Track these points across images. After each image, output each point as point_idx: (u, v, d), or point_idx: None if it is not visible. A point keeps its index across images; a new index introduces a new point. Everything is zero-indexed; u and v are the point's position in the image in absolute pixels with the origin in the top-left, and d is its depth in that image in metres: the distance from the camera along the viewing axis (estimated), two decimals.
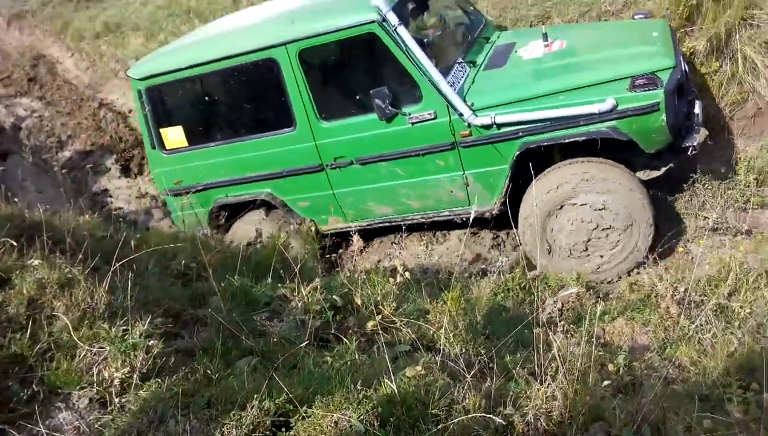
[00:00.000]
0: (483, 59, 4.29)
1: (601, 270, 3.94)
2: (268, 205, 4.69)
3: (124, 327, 2.27)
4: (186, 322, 2.66)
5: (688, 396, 2.35)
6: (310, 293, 2.79)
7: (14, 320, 2.32)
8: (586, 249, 3.92)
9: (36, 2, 10.96)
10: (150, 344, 2.20)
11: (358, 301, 2.78)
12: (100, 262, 2.71)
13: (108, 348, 2.18)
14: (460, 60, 4.15)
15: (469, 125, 3.84)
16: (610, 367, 2.45)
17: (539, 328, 2.37)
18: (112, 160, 7.26)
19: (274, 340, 2.52)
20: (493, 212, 4.13)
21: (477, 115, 3.79)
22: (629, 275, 3.79)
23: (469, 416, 1.90)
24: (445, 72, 3.89)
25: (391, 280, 3.03)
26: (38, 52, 10.14)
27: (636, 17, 4.66)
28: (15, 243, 2.68)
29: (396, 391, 2.00)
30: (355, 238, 3.50)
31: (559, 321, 2.99)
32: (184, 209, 4.75)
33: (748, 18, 5.11)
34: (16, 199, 3.67)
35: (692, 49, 5.12)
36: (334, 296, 2.83)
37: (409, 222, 4.42)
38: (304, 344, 2.44)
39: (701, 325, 3.10)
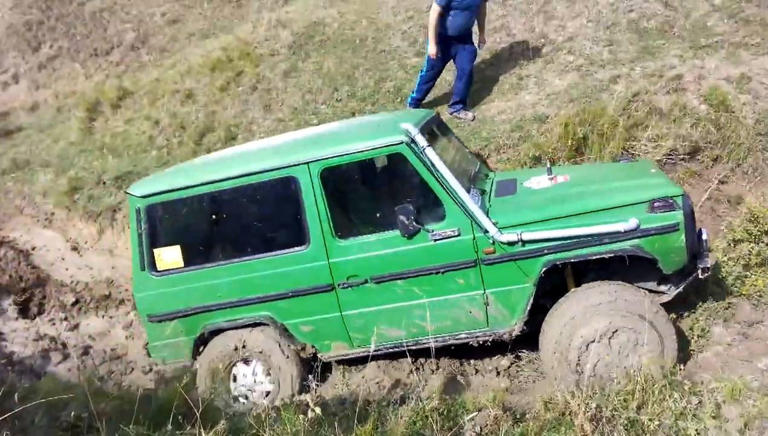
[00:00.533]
0: (490, 189, 4.46)
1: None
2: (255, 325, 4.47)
3: None
4: None
5: None
6: None
7: None
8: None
9: None
10: None
11: None
12: None
13: None
14: (472, 187, 4.27)
15: (494, 242, 3.88)
16: None
17: None
18: (9, 301, 6.82)
19: None
20: (513, 334, 4.06)
21: (503, 233, 3.85)
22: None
23: None
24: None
25: (301, 416, 2.91)
26: None
27: (621, 161, 5.04)
28: None
29: None
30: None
31: None
32: (166, 338, 4.47)
33: (628, 148, 5.69)
34: None
35: None
36: None
37: (422, 346, 4.23)
38: None
39: None
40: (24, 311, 6.81)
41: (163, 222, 4.46)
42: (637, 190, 3.89)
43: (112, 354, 5.90)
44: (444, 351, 4.42)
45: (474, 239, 3.91)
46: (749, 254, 4.52)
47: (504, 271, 3.94)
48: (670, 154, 5.62)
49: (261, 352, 4.43)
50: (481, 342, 4.10)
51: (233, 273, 4.32)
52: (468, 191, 4.07)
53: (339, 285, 4.17)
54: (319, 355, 4.39)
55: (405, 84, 7.41)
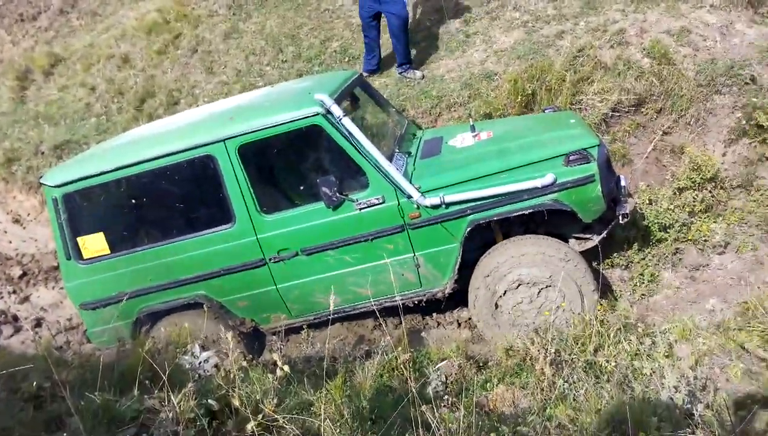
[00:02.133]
0: (416, 150, 4.49)
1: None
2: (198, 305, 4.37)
3: None
4: None
5: None
6: (181, 400, 2.58)
7: None
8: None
9: None
10: None
11: (236, 402, 2.61)
12: None
13: None
14: (396, 150, 4.30)
15: (418, 207, 3.93)
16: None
17: (423, 405, 2.36)
18: None
19: None
20: (446, 292, 4.17)
21: (426, 197, 3.89)
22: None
23: None
24: (389, 159, 4.03)
25: (270, 375, 2.90)
26: None
27: (546, 111, 5.09)
28: None
29: None
30: (229, 335, 3.28)
31: (444, 395, 3.00)
32: (104, 323, 4.35)
33: (576, 103, 5.80)
34: None
35: None
36: (209, 400, 2.65)
37: (360, 310, 4.31)
38: None
39: (574, 382, 3.26)
40: None
41: (83, 210, 4.33)
42: (554, 144, 3.98)
43: (66, 325, 5.72)
44: (405, 307, 4.48)
45: (399, 205, 3.96)
46: (693, 202, 4.72)
47: (431, 233, 4.02)
48: (616, 108, 5.75)
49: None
50: (416, 302, 4.20)
51: (162, 256, 4.26)
52: (392, 156, 4.12)
53: (270, 260, 4.17)
54: (259, 327, 4.38)
55: (351, 44, 7.29)
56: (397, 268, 4.08)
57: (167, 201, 4.30)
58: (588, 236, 4.19)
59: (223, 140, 4.01)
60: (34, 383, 2.70)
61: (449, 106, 6.10)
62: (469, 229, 3.94)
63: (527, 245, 4.00)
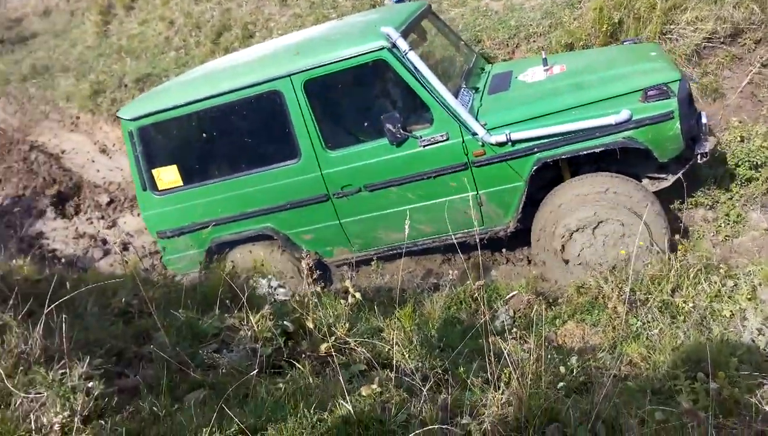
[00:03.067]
0: (484, 85, 4.33)
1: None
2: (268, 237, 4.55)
3: (63, 370, 2.15)
4: (130, 360, 2.54)
5: (640, 391, 2.40)
6: (259, 320, 2.72)
7: None
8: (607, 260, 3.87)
9: None
10: (90, 385, 2.09)
11: (310, 324, 2.72)
12: (35, 305, 2.56)
13: (45, 393, 2.06)
14: (463, 86, 4.17)
15: (483, 144, 3.82)
16: (563, 369, 2.47)
17: (492, 337, 2.37)
18: (47, 202, 6.99)
19: (224, 371, 2.44)
20: (508, 231, 4.09)
21: (491, 134, 3.78)
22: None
23: (426, 428, 1.87)
24: (455, 95, 3.92)
25: (342, 302, 2.99)
26: None
27: (626, 43, 4.78)
28: None
29: (351, 411, 1.96)
30: (304, 262, 3.40)
31: (512, 329, 3.01)
32: (179, 251, 4.60)
33: (666, 33, 5.40)
34: None
35: None
36: (284, 322, 2.77)
37: (420, 247, 4.30)
38: (254, 372, 2.37)
39: (648, 322, 3.19)
40: (62, 212, 7.00)
41: (157, 143, 4.46)
42: (632, 78, 3.75)
43: (151, 249, 6.08)
44: (473, 244, 4.46)
45: (463, 142, 3.86)
46: None
47: (495, 171, 3.92)
48: (710, 38, 5.33)
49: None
50: (478, 240, 4.05)
51: (231, 189, 4.35)
52: (458, 92, 3.99)
53: (334, 195, 4.20)
54: (323, 260, 4.48)
55: None
56: (460, 205, 4.00)
57: (236, 136, 4.36)
58: (663, 175, 3.96)
59: (289, 75, 3.99)
60: (123, 299, 2.91)
61: (528, 37, 5.83)
62: (535, 167, 3.81)
63: (594, 184, 3.82)
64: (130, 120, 4.39)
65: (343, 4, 7.24)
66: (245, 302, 2.69)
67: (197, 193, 4.43)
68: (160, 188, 4.50)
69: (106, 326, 2.68)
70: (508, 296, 3.48)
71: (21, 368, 2.21)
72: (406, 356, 2.52)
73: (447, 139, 3.88)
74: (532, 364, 2.16)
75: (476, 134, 3.80)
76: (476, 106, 3.99)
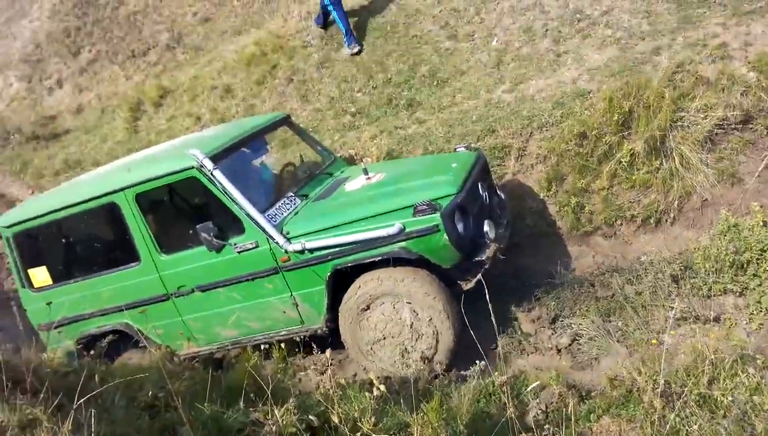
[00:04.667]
0: (316, 192, 4.85)
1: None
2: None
3: None
4: None
5: None
6: (284, 414, 2.66)
7: None
8: (402, 348, 4.24)
9: None
10: None
11: (335, 419, 2.65)
12: (65, 399, 2.56)
13: None
14: (291, 194, 4.72)
15: (287, 251, 4.25)
16: None
17: (522, 434, 2.29)
18: None
19: None
20: (323, 329, 4.47)
21: (291, 242, 4.22)
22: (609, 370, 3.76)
23: None
24: (270, 205, 4.47)
25: (367, 394, 2.92)
26: None
27: (457, 149, 5.27)
28: None
29: None
30: (328, 353, 3.48)
31: (545, 424, 2.90)
32: (57, 342, 4.87)
33: (677, 120, 5.53)
34: None
35: (632, 151, 5.46)
36: (309, 416, 2.71)
37: (255, 343, 4.61)
38: None
39: (686, 417, 3.06)
40: None
41: (28, 246, 5.04)
42: (412, 193, 4.18)
43: None
44: (502, 331, 4.41)
45: (271, 249, 4.31)
46: None
47: (302, 276, 4.35)
48: (721, 124, 5.45)
49: None
50: (301, 338, 4.43)
51: (89, 288, 4.84)
52: (276, 201, 4.53)
53: (172, 294, 4.68)
54: (175, 353, 4.73)
55: (440, 68, 7.36)
56: (280, 305, 4.47)
57: (88, 241, 5.00)
58: (468, 277, 4.25)
59: (122, 189, 4.51)
60: (150, 392, 2.87)
61: (540, 127, 6.00)
62: (330, 272, 4.21)
63: (392, 272, 4.15)
64: (6, 227, 5.00)
65: (360, 99, 7.55)
66: (270, 394, 2.63)
67: (63, 291, 4.92)
68: (35, 286, 5.04)
69: (133, 420, 2.64)
70: (533, 386, 3.38)
71: None
72: None
73: (257, 247, 4.33)
74: None
75: (278, 242, 4.23)
76: (290, 216, 4.45)
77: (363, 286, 4.24)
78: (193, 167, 4.30)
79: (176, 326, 4.80)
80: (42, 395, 2.50)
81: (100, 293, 4.79)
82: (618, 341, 3.95)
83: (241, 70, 8.94)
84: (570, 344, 4.19)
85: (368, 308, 4.28)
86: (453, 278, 4.30)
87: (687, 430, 2.93)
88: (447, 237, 3.96)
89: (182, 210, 4.97)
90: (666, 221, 5.46)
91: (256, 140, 5.17)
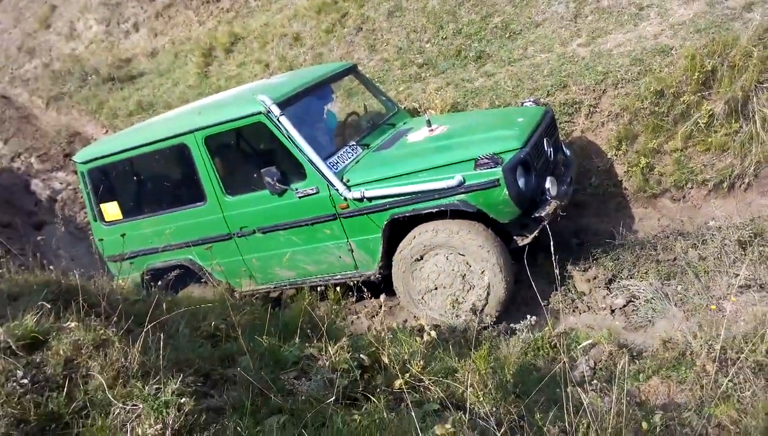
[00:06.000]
0: (378, 142, 4.91)
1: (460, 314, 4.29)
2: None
3: (157, 386, 2.30)
4: (216, 381, 2.67)
5: None
6: (337, 352, 2.79)
7: (51, 379, 2.37)
8: (452, 299, 4.32)
9: (73, 85, 11.63)
10: (182, 402, 2.22)
11: (386, 359, 2.77)
12: (134, 324, 2.77)
13: (141, 406, 2.21)
14: (353, 143, 4.81)
15: (346, 199, 4.35)
16: (645, 425, 2.38)
17: (570, 386, 2.33)
18: None
19: (303, 398, 2.52)
20: (377, 276, 4.61)
21: (350, 190, 4.32)
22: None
23: None
24: (332, 153, 4.57)
25: (417, 339, 3.02)
26: (74, 130, 10.67)
27: (524, 103, 5.22)
28: (51, 307, 2.76)
29: None
30: (382, 298, 3.65)
31: (592, 380, 2.93)
32: (123, 274, 5.12)
33: (763, 82, 5.20)
34: (51, 267, 3.81)
35: (710, 112, 5.20)
36: (361, 355, 2.83)
37: (310, 284, 4.80)
38: (331, 401, 2.43)
39: (740, 383, 3.01)
40: None
41: (102, 182, 5.25)
42: (474, 146, 4.17)
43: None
44: (556, 288, 4.40)
45: (330, 195, 4.41)
46: None
47: (359, 223, 4.45)
48: None
49: None
50: (354, 283, 4.58)
51: (157, 224, 5.07)
52: (337, 150, 4.61)
53: (235, 234, 4.87)
54: (234, 290, 4.94)
55: (513, 19, 7.13)
56: (335, 250, 4.63)
57: (158, 179, 5.22)
58: (525, 233, 4.28)
59: (192, 132, 4.69)
60: (212, 323, 3.08)
61: (615, 83, 5.77)
62: (387, 221, 4.30)
63: (447, 224, 4.20)
64: (81, 163, 5.28)
65: (429, 50, 7.45)
66: (325, 332, 2.77)
67: (133, 225, 5.17)
68: (106, 220, 5.34)
69: (196, 347, 2.84)
70: (586, 343, 3.40)
71: (120, 380, 2.37)
72: (481, 398, 2.51)
73: (317, 193, 4.45)
74: (612, 418, 2.11)
75: (338, 190, 4.35)
76: (351, 164, 4.55)
77: (418, 236, 4.33)
78: (260, 113, 4.42)
79: (237, 264, 5.00)
80: (114, 319, 2.71)
81: (167, 229, 5.02)
82: (675, 305, 3.87)
83: (311, 18, 8.95)
84: (625, 305, 4.14)
85: (422, 257, 4.38)
86: (510, 233, 4.31)
87: (739, 395, 2.89)
88: (507, 192, 3.96)
89: (248, 154, 5.13)
90: (740, 186, 5.21)
91: (322, 88, 5.25)
